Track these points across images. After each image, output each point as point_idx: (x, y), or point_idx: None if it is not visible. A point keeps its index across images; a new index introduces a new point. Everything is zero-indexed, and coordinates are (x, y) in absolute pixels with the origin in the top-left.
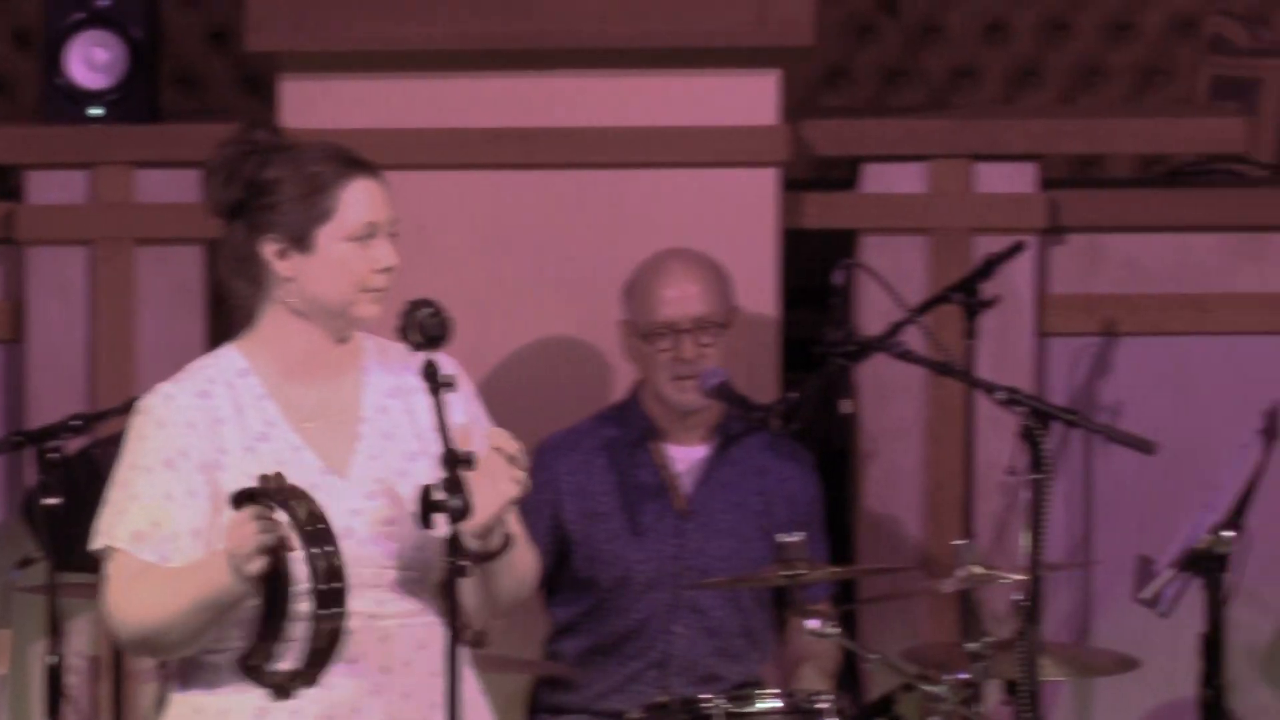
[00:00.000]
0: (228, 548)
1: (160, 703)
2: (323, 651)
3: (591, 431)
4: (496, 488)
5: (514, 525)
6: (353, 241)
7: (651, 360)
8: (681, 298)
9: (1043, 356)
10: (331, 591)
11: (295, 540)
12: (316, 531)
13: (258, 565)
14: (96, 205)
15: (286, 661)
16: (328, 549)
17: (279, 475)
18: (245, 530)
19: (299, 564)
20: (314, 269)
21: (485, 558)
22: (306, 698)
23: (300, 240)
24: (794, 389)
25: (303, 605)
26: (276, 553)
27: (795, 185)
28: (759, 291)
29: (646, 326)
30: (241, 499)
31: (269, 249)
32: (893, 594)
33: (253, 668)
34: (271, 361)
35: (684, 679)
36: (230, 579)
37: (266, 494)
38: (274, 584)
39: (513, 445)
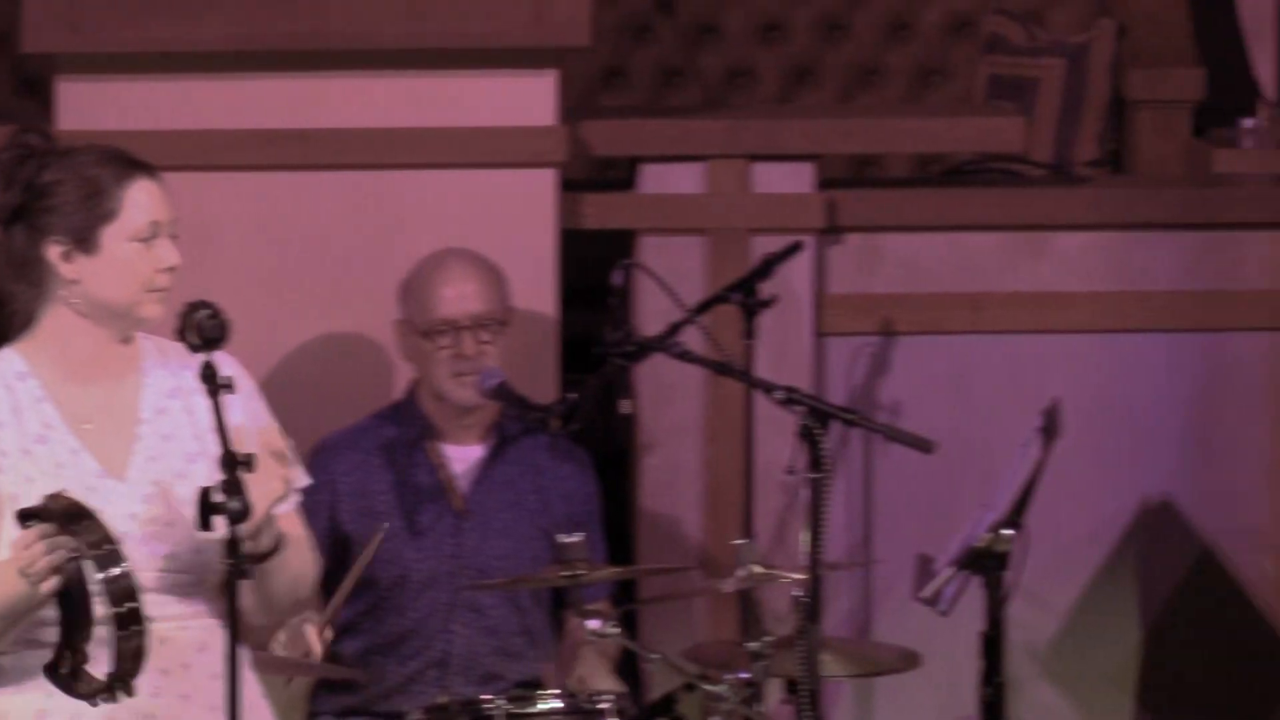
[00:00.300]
0: (18, 565)
1: None
2: (130, 669)
3: (369, 431)
4: (264, 487)
5: (291, 525)
6: (137, 242)
7: (431, 358)
8: (460, 295)
9: (821, 356)
10: (129, 613)
11: (86, 560)
12: (106, 554)
13: (51, 585)
14: None
15: (98, 668)
16: (117, 571)
17: (63, 495)
18: (33, 551)
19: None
20: (99, 270)
21: (257, 558)
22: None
23: (84, 241)
24: (573, 389)
25: (101, 609)
26: (67, 569)
27: (573, 186)
28: (538, 292)
29: (426, 324)
30: (27, 517)
31: (53, 251)
32: (673, 594)
33: (62, 676)
34: (51, 364)
35: (464, 678)
36: (23, 590)
37: (51, 515)
38: (71, 595)
39: (279, 443)
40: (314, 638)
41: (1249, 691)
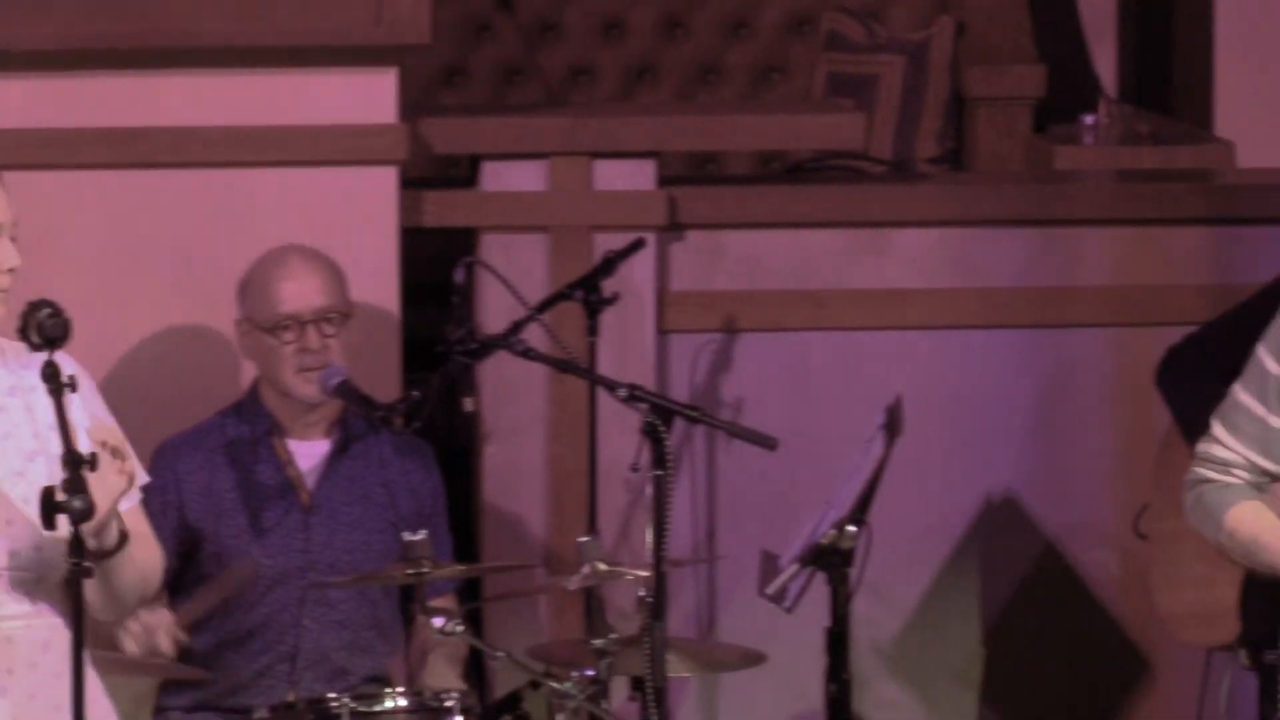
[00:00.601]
0: None
1: None
2: None
3: (213, 429)
4: (106, 483)
5: (135, 520)
6: None
7: (275, 354)
8: (303, 290)
9: (664, 353)
10: None
11: None
12: None
13: None
14: None
15: None
16: None
17: None
18: None
19: None
20: None
21: (101, 555)
22: None
23: None
24: (416, 388)
25: None
26: None
27: (414, 184)
28: (379, 290)
29: (270, 320)
30: None
31: None
32: (518, 591)
33: None
34: None
35: (313, 673)
36: None
37: None
38: None
39: (117, 438)
40: (163, 637)
41: (1092, 687)
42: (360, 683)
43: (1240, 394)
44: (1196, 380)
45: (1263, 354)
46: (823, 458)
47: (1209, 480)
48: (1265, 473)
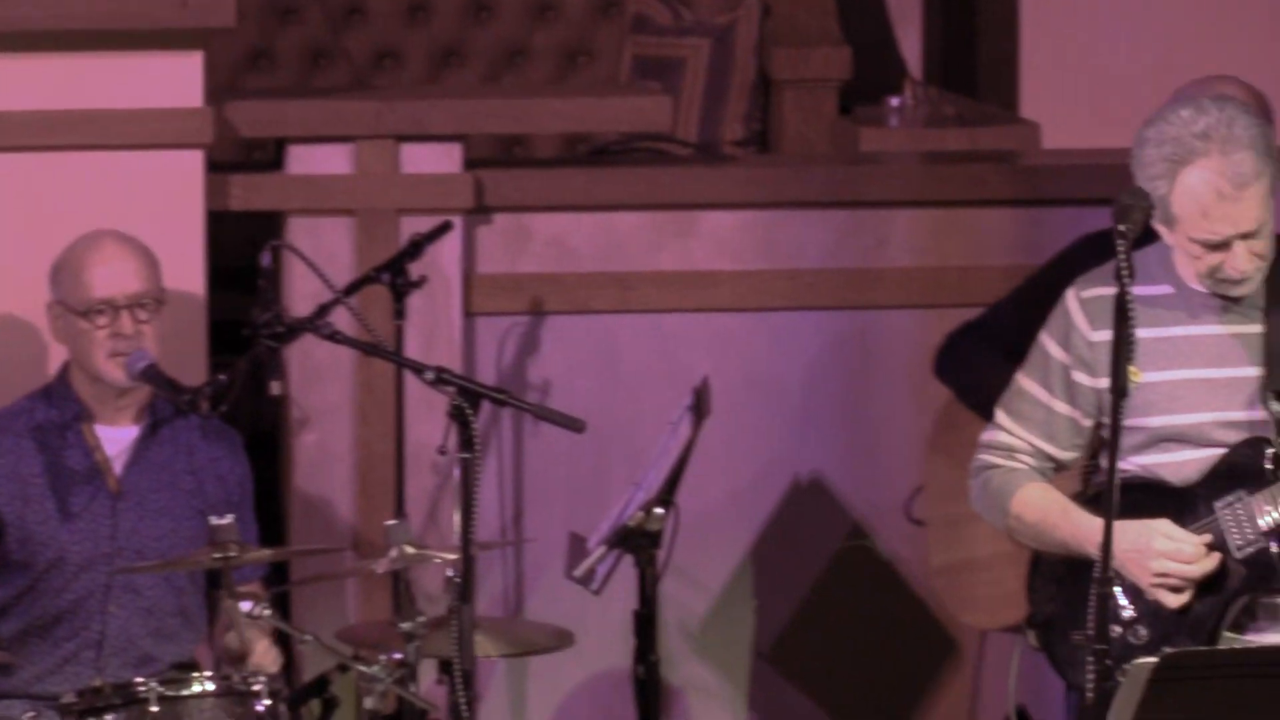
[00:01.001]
0: None
1: None
2: None
3: (22, 414)
4: None
5: None
6: None
7: (87, 338)
8: (117, 274)
9: (471, 336)
10: None
11: None
12: None
13: None
14: None
15: None
16: None
17: None
18: None
19: None
20: None
21: None
22: None
23: None
24: (222, 371)
25: None
26: None
27: (220, 167)
28: (186, 274)
29: (83, 304)
30: None
31: None
32: (325, 575)
33: None
34: None
35: (119, 660)
36: None
37: None
38: None
39: None
40: None
41: (899, 667)
42: (166, 669)
43: (1023, 380)
44: (980, 365)
45: (1045, 340)
46: (630, 440)
47: (994, 466)
48: (1050, 458)
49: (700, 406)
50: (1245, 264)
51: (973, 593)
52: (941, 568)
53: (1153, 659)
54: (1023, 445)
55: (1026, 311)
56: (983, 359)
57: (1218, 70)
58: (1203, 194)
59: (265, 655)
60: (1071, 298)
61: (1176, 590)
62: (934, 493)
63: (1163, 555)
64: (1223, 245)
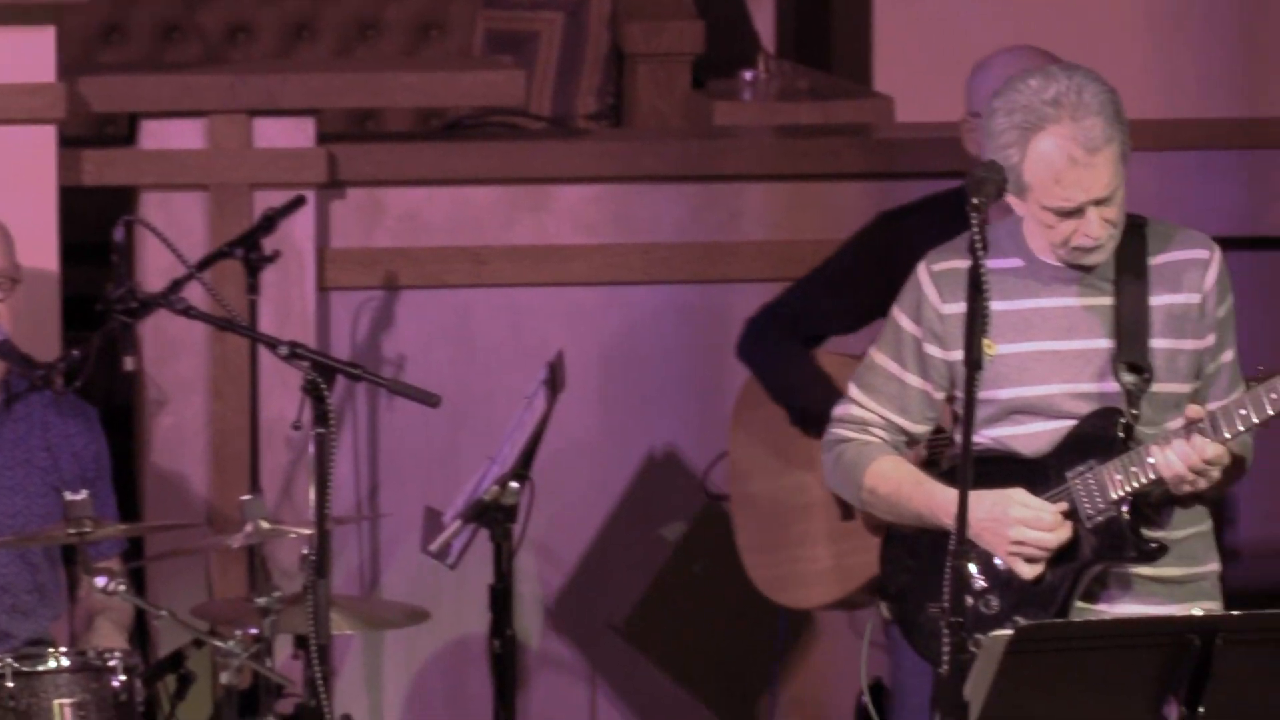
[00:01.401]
0: None
1: None
2: None
3: None
4: None
5: None
6: None
7: None
8: None
9: (325, 311)
10: None
11: None
12: None
13: None
14: None
15: None
16: None
17: None
18: None
19: None
20: None
21: None
22: None
23: None
24: (76, 346)
25: None
26: None
27: (72, 142)
28: (39, 249)
29: None
30: None
31: None
32: (181, 550)
33: None
34: None
35: None
36: None
37: None
38: None
39: None
40: None
41: (752, 642)
42: (22, 645)
43: (876, 355)
44: (777, 348)
45: (898, 315)
46: (485, 414)
47: (847, 440)
48: (902, 431)
49: (555, 380)
50: (1098, 230)
51: (782, 572)
52: (748, 546)
53: (1008, 631)
54: (875, 419)
55: (824, 294)
56: (779, 342)
57: (1072, 44)
58: (1055, 160)
59: (107, 638)
60: (923, 270)
61: (1031, 560)
62: (739, 470)
63: (1020, 523)
64: (1076, 212)
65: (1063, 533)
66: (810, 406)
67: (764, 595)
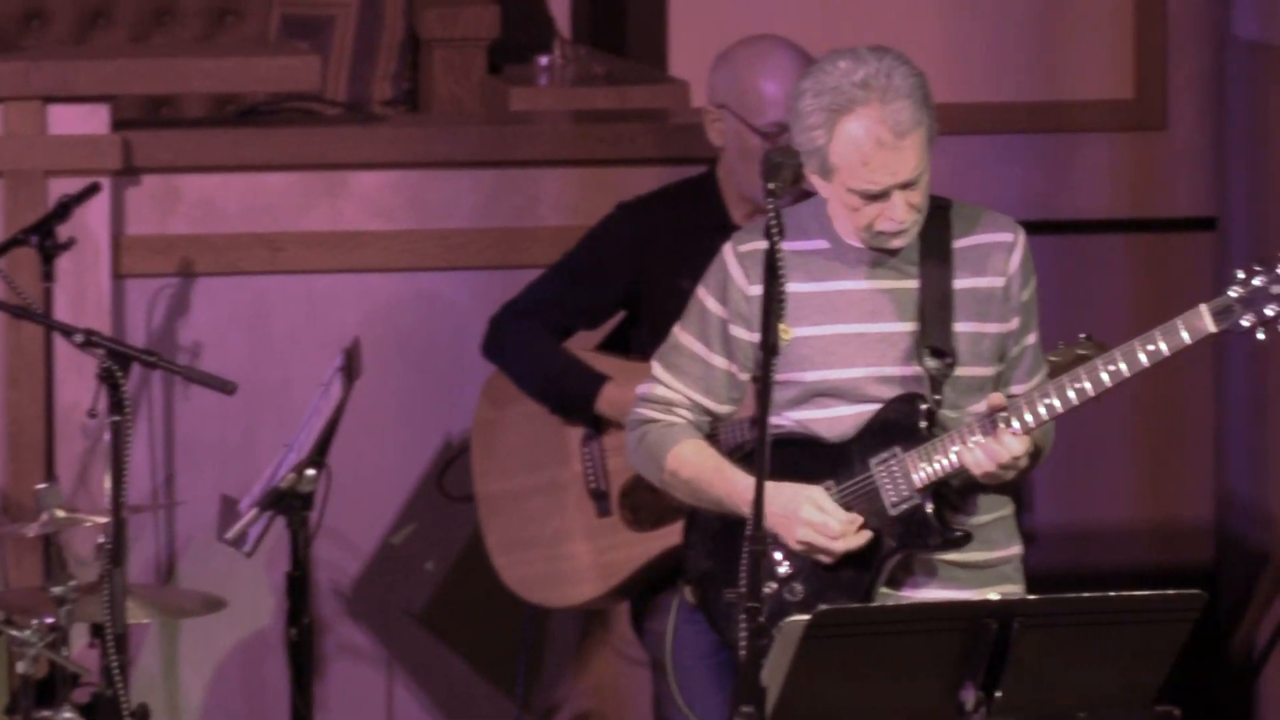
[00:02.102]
0: None
1: None
2: None
3: None
4: None
5: None
6: None
7: None
8: None
9: (120, 298)
10: None
11: None
12: None
13: None
14: None
15: None
16: None
17: None
18: None
19: None
20: None
21: None
22: None
23: None
24: None
25: None
26: None
27: None
28: None
29: None
30: None
31: None
32: None
33: None
34: None
35: None
36: None
37: None
38: None
39: None
40: None
41: (550, 626)
42: None
43: (681, 335)
44: (526, 342)
45: (703, 295)
46: (282, 401)
47: (651, 420)
48: (707, 412)
49: (351, 367)
50: (903, 214)
51: (539, 570)
52: (499, 546)
53: (805, 616)
54: (680, 399)
55: (566, 286)
56: (525, 336)
57: (866, 28)
58: (863, 142)
59: None
60: (729, 252)
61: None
62: (484, 470)
63: (808, 525)
64: (881, 195)
65: (851, 541)
66: (572, 394)
67: (517, 595)
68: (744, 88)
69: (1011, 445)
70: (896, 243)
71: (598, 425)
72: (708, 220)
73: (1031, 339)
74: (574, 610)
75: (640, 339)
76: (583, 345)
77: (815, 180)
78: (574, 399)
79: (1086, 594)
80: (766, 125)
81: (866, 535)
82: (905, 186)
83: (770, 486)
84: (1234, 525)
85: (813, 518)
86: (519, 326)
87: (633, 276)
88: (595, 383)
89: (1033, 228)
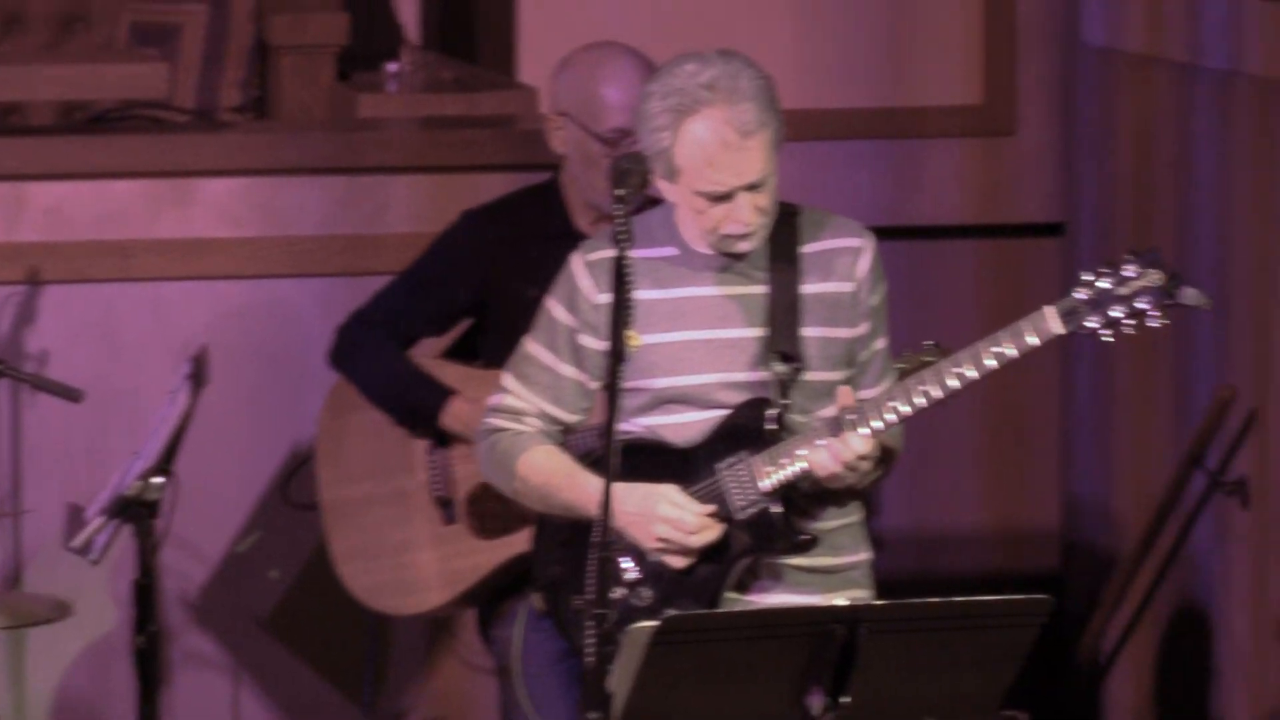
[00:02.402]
0: None
1: None
2: None
3: None
4: None
5: None
6: None
7: None
8: None
9: None
10: None
11: None
12: None
13: None
14: None
15: None
16: None
17: None
18: None
19: None
20: None
21: None
22: None
23: None
24: None
25: None
26: None
27: None
28: None
29: None
30: None
31: None
32: None
33: None
34: None
35: None
36: None
37: None
38: None
39: None
40: None
41: (390, 636)
42: None
43: (530, 345)
44: (370, 352)
45: (551, 305)
46: (130, 409)
47: (501, 430)
48: (556, 421)
49: (199, 375)
50: (749, 216)
51: (385, 579)
52: (344, 554)
53: (652, 623)
54: (529, 408)
55: (412, 295)
56: (372, 346)
57: (713, 34)
58: (708, 142)
59: None
60: (577, 261)
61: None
62: (330, 477)
63: (664, 521)
64: (727, 197)
65: (707, 534)
66: (417, 406)
67: (363, 604)
68: (585, 94)
69: (855, 444)
70: (743, 246)
71: (443, 439)
72: (552, 228)
73: (881, 344)
74: (420, 618)
75: (487, 346)
76: (430, 353)
77: (662, 185)
78: (419, 412)
79: (934, 599)
80: (608, 131)
81: (721, 527)
82: (751, 188)
83: (622, 488)
84: (1080, 529)
85: (669, 513)
86: (365, 336)
87: (477, 284)
88: (441, 396)
89: (882, 233)
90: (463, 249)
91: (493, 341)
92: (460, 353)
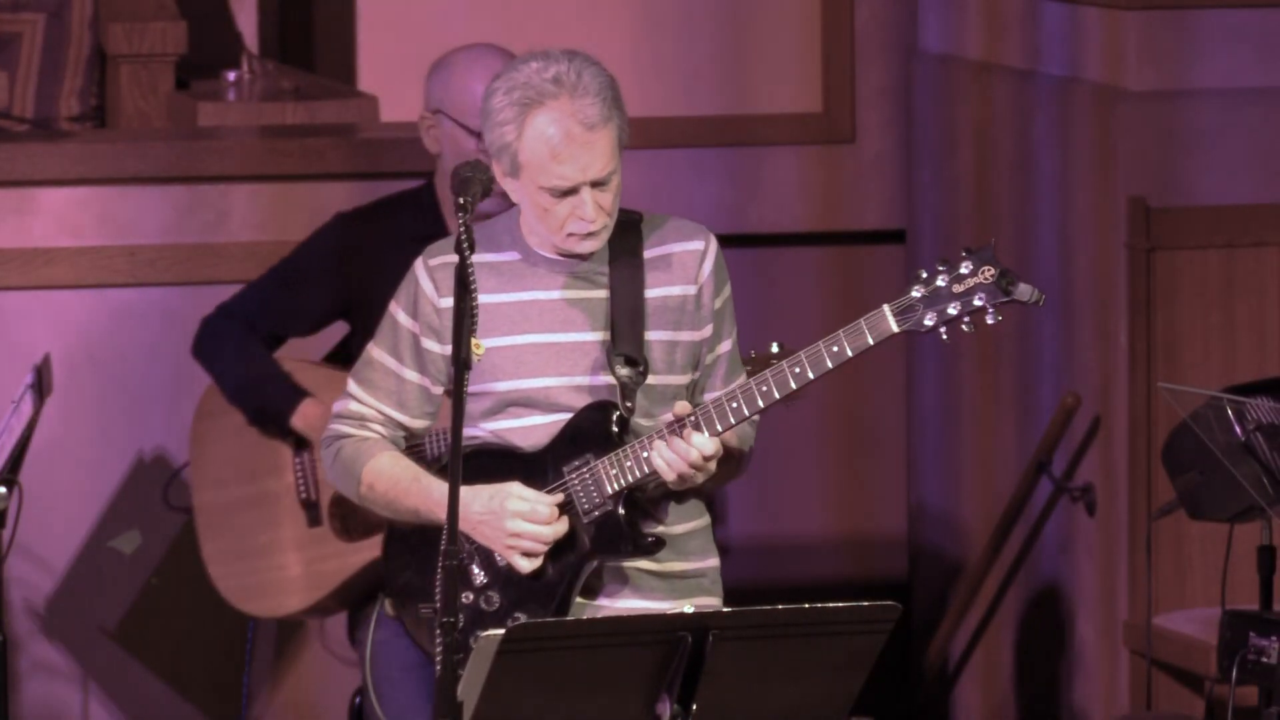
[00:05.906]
0: None
1: None
2: None
3: None
4: None
5: None
6: None
7: None
8: None
9: None
10: None
11: None
12: None
13: None
14: None
15: None
16: None
17: None
18: None
19: None
20: None
21: None
22: None
23: None
24: None
25: None
26: None
27: None
28: None
29: None
30: None
31: None
32: None
33: None
34: None
35: None
36: None
37: None
38: None
39: None
40: None
41: (238, 645)
42: None
43: (374, 350)
44: (232, 349)
45: (394, 309)
46: None
47: (346, 436)
48: (401, 426)
49: (41, 384)
50: (593, 213)
51: (251, 581)
52: (214, 556)
53: (500, 630)
54: (374, 414)
55: (280, 292)
56: (232, 340)
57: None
58: (553, 135)
59: None
60: (420, 266)
61: (529, 554)
62: (201, 480)
63: (517, 515)
64: (571, 192)
65: (560, 526)
66: (268, 405)
67: (232, 606)
68: (458, 90)
69: (701, 445)
70: (587, 245)
71: (298, 441)
72: (423, 231)
73: (726, 346)
74: (284, 621)
75: (357, 348)
76: (313, 356)
77: (507, 183)
78: (270, 411)
79: (781, 606)
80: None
81: (568, 519)
82: (596, 185)
83: (467, 490)
84: (927, 536)
85: (520, 508)
86: (225, 328)
87: (340, 286)
88: (293, 397)
89: (726, 240)
90: (331, 250)
91: (361, 344)
92: (339, 358)
